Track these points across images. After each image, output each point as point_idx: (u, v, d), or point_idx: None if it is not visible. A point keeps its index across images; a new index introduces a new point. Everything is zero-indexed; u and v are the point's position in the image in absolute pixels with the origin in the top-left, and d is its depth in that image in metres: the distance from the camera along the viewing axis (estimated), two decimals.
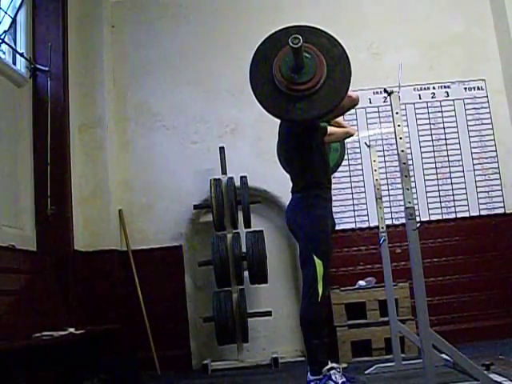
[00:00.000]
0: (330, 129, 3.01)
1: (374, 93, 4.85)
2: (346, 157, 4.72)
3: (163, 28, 5.03)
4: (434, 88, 4.89)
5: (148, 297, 4.49)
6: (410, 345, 3.99)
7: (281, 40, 2.62)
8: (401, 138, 2.62)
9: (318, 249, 2.76)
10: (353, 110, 4.83)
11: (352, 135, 3.26)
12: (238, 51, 4.97)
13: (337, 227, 4.63)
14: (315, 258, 2.72)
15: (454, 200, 4.73)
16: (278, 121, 5.15)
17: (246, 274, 4.40)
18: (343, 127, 3.19)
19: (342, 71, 2.55)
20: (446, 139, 4.82)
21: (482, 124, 4.83)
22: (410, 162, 4.24)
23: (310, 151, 2.85)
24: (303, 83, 2.51)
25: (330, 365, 2.70)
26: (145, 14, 5.08)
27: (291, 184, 2.97)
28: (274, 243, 4.75)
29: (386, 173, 4.64)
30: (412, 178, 4.32)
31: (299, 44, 2.37)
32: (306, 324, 2.75)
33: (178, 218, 4.74)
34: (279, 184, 4.59)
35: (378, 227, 3.59)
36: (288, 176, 3.02)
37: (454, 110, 4.86)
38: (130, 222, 4.69)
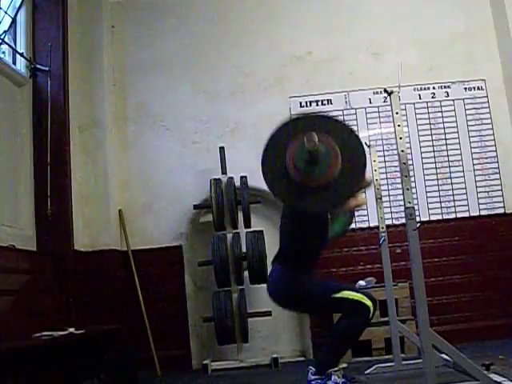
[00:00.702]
0: None
1: (374, 93, 4.85)
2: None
3: (163, 28, 5.03)
4: (434, 88, 4.89)
5: (148, 297, 4.50)
6: (409, 345, 3.99)
7: (295, 129, 2.51)
8: (401, 138, 2.61)
9: (329, 289, 2.75)
10: (352, 111, 4.86)
11: (363, 204, 3.19)
12: (238, 51, 4.99)
13: None
14: (336, 295, 2.70)
15: (453, 200, 4.73)
16: (279, 120, 5.15)
17: (246, 274, 4.40)
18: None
19: (357, 163, 2.46)
20: (446, 139, 4.82)
21: (482, 124, 4.83)
22: (410, 162, 4.24)
23: (312, 230, 2.79)
24: (318, 177, 2.42)
25: None
26: (145, 14, 5.08)
27: (277, 253, 2.92)
28: (274, 243, 4.70)
29: (386, 173, 4.63)
30: (412, 178, 4.32)
31: (315, 147, 2.31)
32: (347, 334, 2.73)
33: (177, 218, 4.75)
34: None
35: (378, 227, 3.59)
36: None
37: (454, 110, 4.86)
38: (129, 221, 4.69)
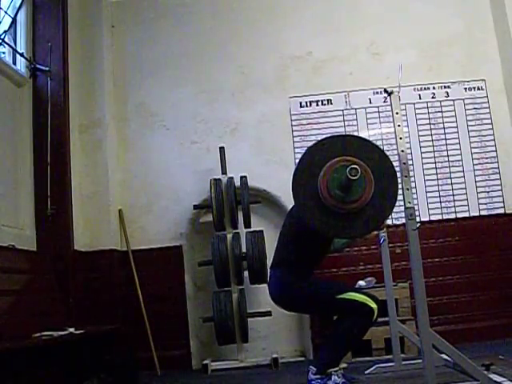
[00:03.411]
0: None
1: (374, 93, 4.85)
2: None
3: (163, 28, 5.04)
4: (434, 88, 4.89)
5: (148, 297, 4.49)
6: (409, 345, 3.99)
7: (328, 152, 2.48)
8: (401, 138, 2.61)
9: (333, 290, 2.77)
10: (352, 111, 4.86)
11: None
12: (238, 51, 4.99)
13: None
14: (340, 296, 2.72)
15: (453, 200, 4.73)
16: (279, 120, 5.16)
17: (246, 274, 4.40)
18: None
19: (390, 188, 2.47)
20: (445, 139, 4.82)
21: (482, 124, 4.83)
22: (410, 162, 4.24)
23: (318, 243, 2.82)
24: (351, 202, 2.41)
25: None
26: (145, 14, 5.08)
27: (276, 256, 2.94)
28: (274, 243, 4.68)
29: None
30: (412, 178, 4.33)
31: (357, 177, 2.29)
32: (349, 335, 2.74)
33: (177, 218, 4.74)
34: (279, 184, 4.59)
35: None
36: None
37: (454, 110, 4.85)
38: (129, 221, 4.69)
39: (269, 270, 3.02)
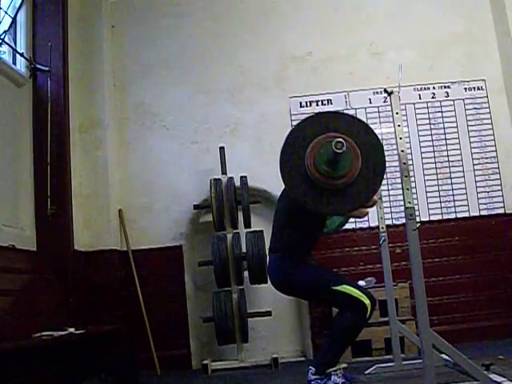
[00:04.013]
0: None
1: (374, 93, 4.85)
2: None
3: (163, 28, 5.03)
4: (434, 88, 4.89)
5: (148, 297, 4.49)
6: (409, 345, 3.99)
7: (314, 129, 2.50)
8: (401, 138, 2.62)
9: (330, 280, 2.77)
10: (352, 111, 4.86)
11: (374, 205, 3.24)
12: (237, 51, 4.99)
13: None
14: (336, 288, 2.72)
15: (453, 200, 4.73)
16: (279, 120, 5.16)
17: (245, 274, 4.40)
18: None
19: (377, 163, 2.48)
20: (446, 139, 4.82)
21: (482, 124, 4.83)
22: (410, 162, 4.24)
23: (312, 223, 2.83)
24: (339, 178, 2.41)
25: None
26: (145, 14, 5.08)
27: (273, 241, 2.94)
28: None
29: (386, 173, 4.61)
30: (412, 178, 4.32)
31: (343, 150, 2.29)
32: (343, 333, 2.74)
33: (178, 218, 4.74)
34: (279, 184, 4.56)
35: (378, 227, 3.59)
36: None
37: (454, 110, 4.86)
38: (130, 221, 4.69)
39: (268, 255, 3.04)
